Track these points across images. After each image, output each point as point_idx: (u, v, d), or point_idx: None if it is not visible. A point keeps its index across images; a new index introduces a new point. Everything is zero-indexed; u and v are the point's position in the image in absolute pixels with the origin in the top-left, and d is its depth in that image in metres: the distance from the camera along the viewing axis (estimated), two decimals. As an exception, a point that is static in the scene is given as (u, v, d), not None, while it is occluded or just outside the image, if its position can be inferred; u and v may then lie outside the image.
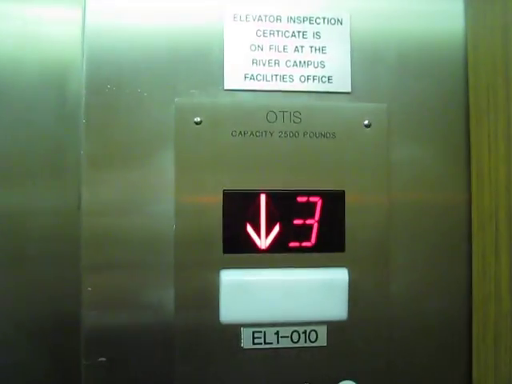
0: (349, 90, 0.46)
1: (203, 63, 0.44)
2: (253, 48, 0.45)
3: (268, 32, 0.45)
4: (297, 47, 0.45)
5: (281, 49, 0.45)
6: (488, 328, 0.44)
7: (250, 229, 0.44)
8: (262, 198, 0.44)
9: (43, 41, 0.45)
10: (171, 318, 0.44)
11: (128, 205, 0.43)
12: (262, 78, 0.45)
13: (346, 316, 0.45)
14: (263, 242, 0.44)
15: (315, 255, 0.45)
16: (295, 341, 0.45)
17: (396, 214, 0.46)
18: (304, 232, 0.44)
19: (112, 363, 0.43)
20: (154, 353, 0.44)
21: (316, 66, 0.46)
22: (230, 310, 0.43)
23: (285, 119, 0.45)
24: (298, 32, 0.46)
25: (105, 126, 0.43)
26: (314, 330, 0.45)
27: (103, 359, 0.43)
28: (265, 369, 0.44)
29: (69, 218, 0.44)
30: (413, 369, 0.46)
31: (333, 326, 0.45)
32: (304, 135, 0.45)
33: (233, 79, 0.45)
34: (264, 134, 0.45)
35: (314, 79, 0.45)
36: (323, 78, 0.46)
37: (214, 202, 0.44)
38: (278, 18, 0.45)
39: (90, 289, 0.43)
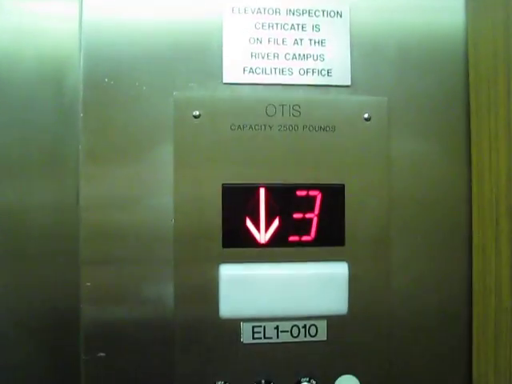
0: (348, 83, 0.45)
1: (202, 56, 0.44)
2: (252, 41, 0.45)
3: (267, 25, 0.45)
4: (296, 40, 0.45)
5: (280, 42, 0.45)
6: (488, 323, 0.44)
7: (249, 223, 0.44)
8: (262, 191, 0.44)
9: (40, 36, 0.45)
10: (171, 313, 0.43)
11: (127, 199, 0.43)
12: (261, 71, 0.45)
13: (345, 310, 0.44)
14: (263, 236, 0.44)
15: (315, 249, 0.44)
16: (295, 335, 0.44)
17: (396, 208, 0.46)
18: (304, 226, 0.44)
19: (111, 358, 0.43)
20: (154, 348, 0.43)
21: (315, 58, 0.45)
22: (230, 304, 0.43)
23: (284, 112, 0.44)
24: (298, 25, 0.45)
25: (103, 121, 0.43)
26: (314, 325, 0.45)
27: (102, 354, 0.43)
28: (265, 363, 0.44)
29: (67, 213, 0.44)
30: (413, 363, 0.46)
31: (333, 321, 0.45)
32: (303, 129, 0.45)
33: (232, 72, 0.44)
34: (263, 127, 0.44)
35: (313, 72, 0.45)
36: (323, 71, 0.45)
37: (213, 196, 0.43)
38: (277, 11, 0.45)
39: (88, 284, 0.43)
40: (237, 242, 0.44)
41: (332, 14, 0.46)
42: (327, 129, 0.45)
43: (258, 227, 0.44)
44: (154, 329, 0.44)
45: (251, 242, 0.44)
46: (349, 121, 0.45)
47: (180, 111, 0.44)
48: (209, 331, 0.44)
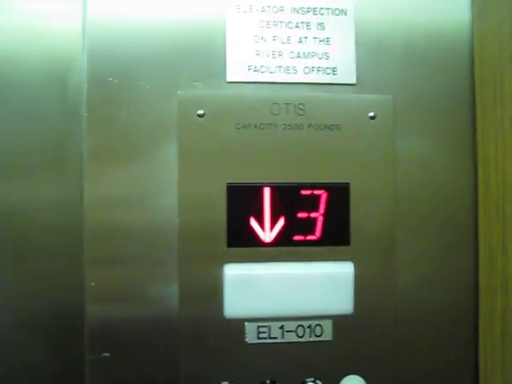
0: (354, 81, 0.45)
1: (206, 55, 0.44)
2: (256, 39, 0.45)
3: (271, 23, 0.45)
4: (301, 38, 0.45)
5: (284, 40, 0.45)
6: (495, 321, 0.43)
7: (254, 222, 0.44)
8: (266, 191, 0.44)
9: (44, 35, 0.44)
10: (175, 312, 0.43)
11: (131, 198, 0.43)
12: (265, 69, 0.45)
13: (351, 310, 0.44)
14: (267, 235, 0.44)
15: (320, 249, 0.44)
16: (300, 335, 0.44)
17: (402, 207, 0.45)
18: (309, 225, 0.44)
19: (116, 358, 0.43)
20: (158, 348, 0.43)
21: (320, 57, 0.45)
22: (235, 304, 0.43)
23: (289, 111, 0.44)
24: (302, 23, 0.45)
25: (107, 120, 0.43)
26: (319, 325, 0.44)
27: (107, 354, 0.43)
28: (270, 363, 0.44)
29: (71, 212, 0.44)
30: (418, 363, 0.46)
31: (338, 321, 0.44)
32: (308, 127, 0.44)
33: (236, 71, 0.44)
34: (268, 126, 0.44)
35: (318, 71, 0.45)
36: (327, 70, 0.45)
37: (218, 196, 0.43)
38: (282, 9, 0.45)
39: (93, 283, 0.43)
40: (241, 242, 0.44)
41: (337, 11, 0.45)
42: (332, 127, 0.45)
43: (262, 227, 0.44)
44: (158, 329, 0.43)
45: (256, 241, 0.44)
46: (354, 119, 0.45)
47: (184, 110, 0.43)
48: (213, 331, 0.44)
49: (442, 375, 0.46)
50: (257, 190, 0.44)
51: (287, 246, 0.44)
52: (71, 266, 0.44)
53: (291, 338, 0.44)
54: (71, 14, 0.45)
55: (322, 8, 0.45)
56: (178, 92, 0.44)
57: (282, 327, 0.44)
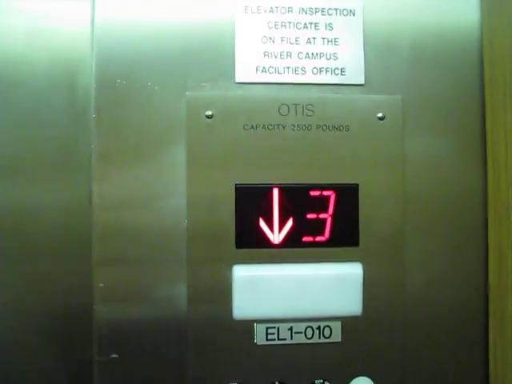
0: (362, 82, 0.45)
1: (214, 56, 0.44)
2: (264, 40, 0.44)
3: (280, 24, 0.45)
4: (309, 39, 0.45)
5: (293, 41, 0.45)
6: (505, 321, 0.43)
7: (262, 223, 0.43)
8: (275, 192, 0.44)
9: (52, 38, 0.44)
10: (183, 314, 0.43)
11: (139, 200, 0.43)
12: (273, 70, 0.44)
13: (360, 311, 0.44)
14: (276, 236, 0.44)
15: (329, 250, 0.44)
16: (309, 337, 0.44)
17: (411, 208, 0.45)
18: (317, 226, 0.44)
19: (124, 359, 0.43)
20: (167, 349, 0.43)
21: (328, 57, 0.45)
22: (243, 305, 0.43)
23: (297, 112, 0.44)
24: (310, 23, 0.45)
25: (115, 121, 0.43)
26: (328, 326, 0.44)
27: (115, 356, 0.43)
28: (278, 365, 0.44)
29: (80, 213, 0.44)
30: (427, 364, 0.46)
31: (347, 322, 0.44)
32: (317, 128, 0.44)
33: (244, 72, 0.44)
34: (276, 127, 0.44)
35: (326, 71, 0.45)
36: (336, 70, 0.45)
37: (226, 197, 0.43)
38: (290, 10, 0.45)
39: (101, 285, 0.43)
40: (250, 243, 0.43)
41: (345, 12, 0.45)
42: (341, 128, 0.44)
43: (271, 228, 0.43)
44: (166, 330, 0.43)
45: (265, 242, 0.43)
46: (362, 120, 0.45)
47: (192, 111, 0.43)
48: (222, 332, 0.43)
49: (451, 376, 0.46)
50: (265, 191, 0.44)
51: (296, 247, 0.44)
52: (80, 268, 0.44)
53: (300, 339, 0.44)
54: (79, 15, 0.45)
55: (330, 8, 0.45)
56: (187, 93, 0.44)
57: (290, 328, 0.44)
